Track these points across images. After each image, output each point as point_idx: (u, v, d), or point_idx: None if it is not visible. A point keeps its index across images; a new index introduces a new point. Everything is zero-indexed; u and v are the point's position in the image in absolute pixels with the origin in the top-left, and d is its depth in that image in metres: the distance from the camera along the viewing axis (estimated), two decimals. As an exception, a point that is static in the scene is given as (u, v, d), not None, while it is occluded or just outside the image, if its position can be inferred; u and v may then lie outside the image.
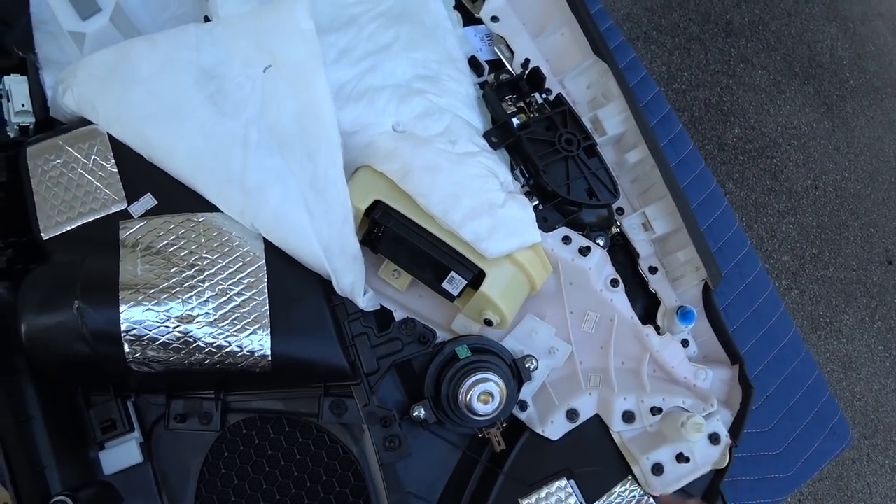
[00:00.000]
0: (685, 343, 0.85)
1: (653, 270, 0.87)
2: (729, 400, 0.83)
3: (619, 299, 0.81)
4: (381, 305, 0.76)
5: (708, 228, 1.01)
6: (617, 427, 0.78)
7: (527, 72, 0.85)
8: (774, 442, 0.93)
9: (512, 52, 0.90)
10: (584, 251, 0.79)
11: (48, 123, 0.81)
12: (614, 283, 0.81)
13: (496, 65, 0.90)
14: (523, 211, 0.74)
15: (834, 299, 2.08)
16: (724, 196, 1.06)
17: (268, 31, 0.72)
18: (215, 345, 0.67)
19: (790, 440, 0.93)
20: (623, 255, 0.88)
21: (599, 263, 0.80)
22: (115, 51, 0.74)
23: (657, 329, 0.83)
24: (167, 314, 0.66)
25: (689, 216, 0.84)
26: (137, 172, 0.73)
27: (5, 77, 0.81)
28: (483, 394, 0.71)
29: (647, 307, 0.87)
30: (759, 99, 2.33)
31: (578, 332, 0.81)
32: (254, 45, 0.72)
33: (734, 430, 0.80)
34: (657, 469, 0.77)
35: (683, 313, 0.83)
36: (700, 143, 2.20)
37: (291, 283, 0.71)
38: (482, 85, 0.85)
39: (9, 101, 0.80)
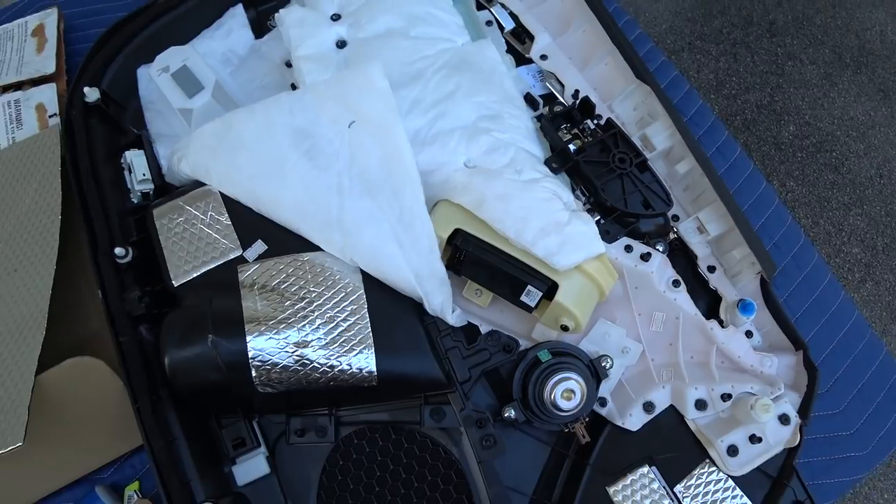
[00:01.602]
0: (749, 334, 0.91)
1: (711, 269, 0.94)
2: (796, 383, 0.88)
3: (682, 298, 0.88)
4: (468, 321, 0.85)
5: (762, 226, 1.08)
6: (691, 415, 0.85)
7: (577, 101, 0.94)
8: (847, 422, 0.97)
9: (562, 85, 0.99)
10: (644, 257, 0.87)
11: (164, 188, 0.95)
12: (676, 283, 0.89)
13: (549, 98, 0.99)
14: (587, 226, 0.83)
15: (911, 287, 2.03)
16: (775, 194, 1.11)
17: (350, 93, 0.84)
18: (328, 365, 0.78)
19: (863, 420, 0.97)
20: (683, 257, 0.95)
21: (660, 267, 0.88)
22: (220, 122, 0.87)
23: (721, 323, 0.89)
24: (286, 341, 0.77)
25: (739, 216, 0.90)
26: (248, 223, 0.85)
27: (126, 152, 0.94)
28: (566, 391, 0.80)
29: (709, 304, 0.93)
30: (812, 94, 2.33)
31: (648, 331, 0.89)
32: (339, 105, 0.84)
33: (803, 410, 0.85)
34: (732, 451, 0.83)
35: (744, 306, 0.88)
36: (756, 144, 2.23)
37: (389, 307, 0.82)
38: (539, 118, 0.94)
39: (131, 172, 0.94)
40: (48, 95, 1.09)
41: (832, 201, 2.16)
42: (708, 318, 0.89)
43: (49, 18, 1.19)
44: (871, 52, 2.45)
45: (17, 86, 1.12)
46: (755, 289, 0.93)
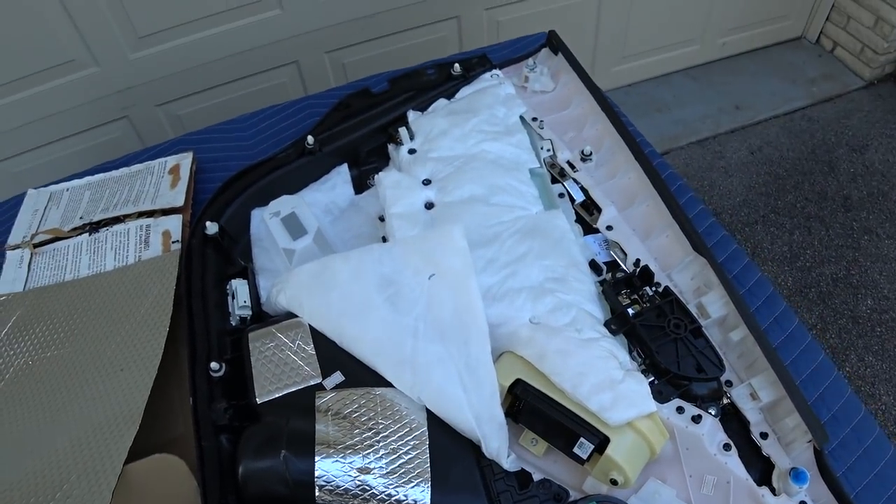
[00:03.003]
0: (803, 504, 0.93)
1: (764, 436, 0.96)
2: (850, 560, 0.88)
3: (734, 462, 0.91)
4: (522, 467, 0.90)
5: (819, 396, 1.09)
6: (740, 581, 0.86)
7: (638, 269, 1.03)
8: None
9: (625, 254, 1.08)
10: (696, 419, 0.92)
11: (261, 316, 1.07)
12: (727, 447, 0.92)
13: (613, 265, 1.08)
14: (640, 385, 0.89)
15: None
16: (833, 365, 1.14)
17: (433, 249, 0.96)
18: (386, 493, 0.84)
19: None
20: (736, 422, 0.97)
21: (711, 430, 0.92)
22: (318, 264, 1.00)
23: (773, 491, 0.91)
24: (350, 465, 0.85)
25: (791, 384, 0.94)
26: (330, 355, 0.95)
27: (232, 280, 1.08)
28: (611, 544, 0.83)
29: (762, 470, 0.94)
30: (890, 268, 2.34)
31: (698, 493, 0.91)
32: (422, 259, 0.96)
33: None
34: None
35: (796, 474, 0.89)
36: (832, 317, 2.22)
37: (449, 445, 0.88)
38: (602, 282, 1.03)
39: (234, 298, 1.07)
40: (174, 224, 1.26)
41: (914, 379, 2.10)
42: (760, 484, 0.90)
43: (185, 160, 1.38)
44: (950, 226, 2.45)
45: (150, 213, 1.29)
46: (809, 458, 0.94)
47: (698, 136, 2.71)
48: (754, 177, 2.59)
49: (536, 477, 0.91)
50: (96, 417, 0.99)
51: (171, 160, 1.40)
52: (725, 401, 0.98)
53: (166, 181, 1.35)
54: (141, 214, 1.30)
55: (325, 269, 0.98)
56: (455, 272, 0.94)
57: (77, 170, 1.55)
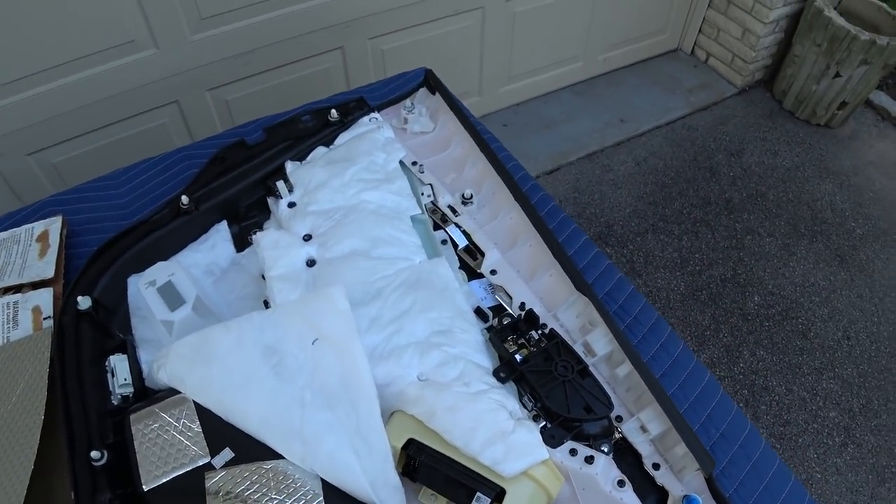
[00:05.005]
0: (699, 529, 0.96)
1: (656, 466, 0.99)
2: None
3: (629, 497, 0.93)
4: (422, 527, 0.90)
5: (708, 417, 1.14)
6: None
7: (523, 313, 1.04)
8: None
9: (510, 297, 1.10)
10: (588, 460, 0.94)
11: (144, 392, 1.02)
12: (621, 483, 0.94)
13: (498, 310, 1.09)
14: (531, 434, 0.90)
15: (894, 446, 2.06)
16: (718, 385, 1.19)
17: (314, 312, 0.94)
18: (287, 575, 0.82)
19: None
20: (630, 456, 1.01)
21: (605, 468, 0.94)
22: (197, 336, 0.96)
23: (669, 520, 0.94)
24: (248, 551, 0.82)
25: (676, 416, 0.97)
26: (218, 431, 0.91)
27: (111, 357, 1.03)
28: None
29: (658, 500, 0.98)
30: (773, 265, 2.48)
31: (597, 532, 0.93)
32: (304, 323, 0.94)
33: None
34: None
35: (688, 501, 0.93)
36: (723, 316, 2.32)
37: (348, 513, 0.87)
38: (488, 329, 1.04)
39: (113, 376, 1.01)
40: (45, 298, 1.18)
41: (803, 367, 2.23)
42: (656, 515, 0.93)
43: (53, 225, 1.31)
44: (824, 220, 2.62)
45: (18, 288, 1.21)
46: (701, 483, 0.98)
47: (587, 151, 2.79)
48: (642, 187, 2.69)
49: (439, 535, 0.90)
50: (-33, 520, 0.92)
51: (38, 226, 1.32)
52: (617, 436, 1.01)
53: (34, 250, 1.27)
54: (7, 290, 1.21)
55: (206, 341, 0.94)
56: (338, 335, 0.92)
57: None
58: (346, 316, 0.93)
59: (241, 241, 1.21)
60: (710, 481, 0.98)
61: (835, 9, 2.77)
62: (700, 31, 3.16)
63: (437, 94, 1.36)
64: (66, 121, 2.01)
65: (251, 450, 0.90)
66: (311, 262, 1.06)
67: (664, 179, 2.72)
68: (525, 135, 2.76)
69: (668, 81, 3.11)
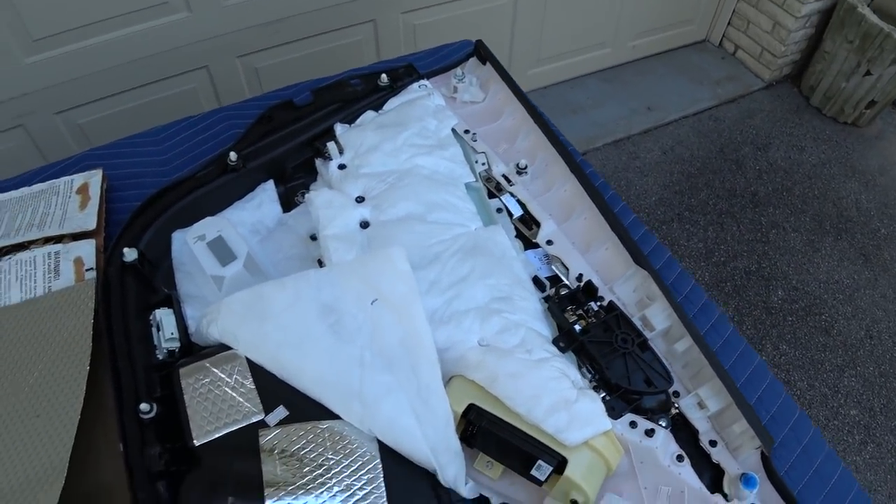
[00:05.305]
0: (754, 508, 0.94)
1: (713, 443, 0.97)
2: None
3: (687, 472, 0.92)
4: (480, 493, 0.88)
5: (758, 399, 1.12)
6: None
7: (581, 285, 1.02)
8: None
9: (567, 269, 1.07)
10: (649, 433, 0.92)
11: (189, 347, 0.99)
12: (680, 458, 0.92)
13: (555, 280, 1.07)
14: (594, 404, 0.88)
15: (915, 447, 2.04)
16: (768, 369, 1.17)
17: (373, 273, 0.92)
18: (343, 533, 0.80)
19: None
20: (685, 432, 0.98)
21: (664, 442, 0.92)
22: (250, 293, 0.94)
23: (725, 497, 0.92)
24: (303, 507, 0.80)
25: (736, 392, 0.95)
26: (271, 389, 0.89)
27: (156, 311, 1.00)
28: (574, 565, 0.82)
29: (713, 477, 0.96)
30: (797, 260, 2.46)
31: (653, 505, 0.91)
32: (363, 284, 0.91)
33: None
34: None
35: (746, 479, 0.91)
36: (747, 309, 2.30)
37: (404, 477, 0.84)
38: (546, 299, 1.02)
39: (159, 330, 0.99)
40: (87, 250, 1.15)
41: (825, 363, 2.21)
42: (713, 491, 0.91)
43: (94, 178, 1.28)
44: (849, 218, 2.60)
45: (59, 239, 1.18)
46: (756, 462, 0.96)
47: (613, 137, 2.76)
48: (668, 176, 2.67)
49: (494, 501, 0.88)
50: (14, 470, 0.89)
51: (77, 178, 1.29)
52: (674, 411, 0.99)
53: (74, 202, 1.24)
54: (48, 240, 1.19)
55: (260, 298, 0.92)
56: (399, 297, 0.90)
57: None
58: (407, 277, 0.90)
59: (287, 202, 1.19)
60: (766, 460, 0.96)
61: (868, 6, 2.74)
62: (729, 22, 3.12)
63: (488, 64, 1.34)
64: (94, 81, 1.98)
65: (305, 409, 0.88)
66: (364, 224, 1.04)
67: (690, 169, 2.70)
68: (552, 118, 2.72)
69: (695, 72, 3.08)
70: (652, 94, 2.94)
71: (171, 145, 1.37)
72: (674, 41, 3.16)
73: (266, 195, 1.17)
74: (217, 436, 0.86)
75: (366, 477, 0.83)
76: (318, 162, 1.20)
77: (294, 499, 0.80)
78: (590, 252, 1.10)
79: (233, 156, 1.14)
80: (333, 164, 1.13)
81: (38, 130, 2.03)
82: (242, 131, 1.34)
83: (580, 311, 1.01)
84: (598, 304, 1.02)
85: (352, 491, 0.82)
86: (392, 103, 1.26)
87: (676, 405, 0.99)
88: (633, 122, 2.83)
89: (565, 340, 0.97)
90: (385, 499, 0.82)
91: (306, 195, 1.08)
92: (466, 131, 1.23)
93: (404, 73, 1.30)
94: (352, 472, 0.83)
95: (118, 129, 1.65)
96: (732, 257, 2.43)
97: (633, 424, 0.93)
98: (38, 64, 1.86)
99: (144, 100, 2.10)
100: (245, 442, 0.85)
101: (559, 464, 0.85)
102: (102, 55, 1.91)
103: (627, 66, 3.06)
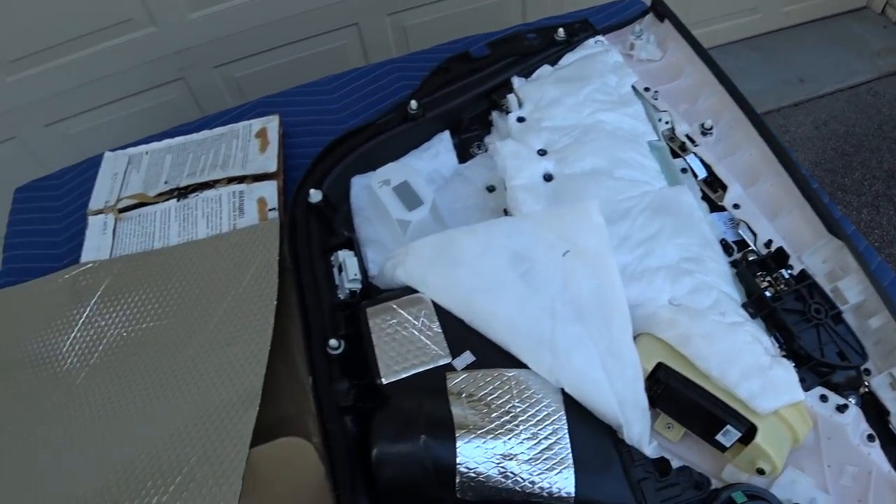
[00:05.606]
0: (947, 500, 0.89)
1: (904, 427, 0.93)
2: None
3: (877, 454, 0.87)
4: (662, 454, 0.87)
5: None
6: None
7: (771, 251, 0.98)
8: None
9: (754, 234, 1.04)
10: (840, 408, 0.88)
11: (368, 290, 1.03)
12: (870, 438, 0.88)
13: (741, 245, 1.03)
14: (788, 373, 0.85)
15: None
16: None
17: (568, 225, 0.91)
18: (529, 480, 0.81)
19: None
20: (873, 413, 0.94)
21: (856, 419, 0.88)
22: (441, 238, 0.96)
23: (914, 485, 0.88)
24: (493, 451, 0.81)
25: (938, 377, 0.90)
26: (457, 334, 0.90)
27: (338, 252, 1.03)
28: (759, 535, 0.80)
29: (900, 462, 0.92)
30: (958, 252, 2.29)
31: (836, 484, 0.87)
32: (555, 235, 0.91)
33: None
34: None
35: (942, 466, 0.87)
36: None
37: (587, 431, 0.84)
38: (734, 263, 0.99)
39: (341, 271, 1.02)
40: (269, 191, 1.21)
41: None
42: (902, 477, 0.87)
43: (271, 124, 1.34)
44: None
45: (241, 179, 1.25)
46: (949, 450, 0.91)
47: (762, 109, 2.63)
48: (820, 153, 2.53)
49: (674, 464, 0.87)
50: (208, 396, 0.95)
51: (255, 123, 1.35)
52: (863, 390, 0.94)
53: (254, 145, 1.30)
54: (231, 180, 1.25)
55: (451, 243, 0.93)
56: (592, 250, 0.89)
57: (133, 132, 1.50)
58: (601, 231, 0.90)
59: (462, 154, 1.20)
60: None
61: None
62: (895, -12, 2.90)
63: (666, 21, 1.29)
64: (251, 36, 2.06)
65: (491, 356, 0.89)
66: (547, 177, 1.03)
67: (845, 147, 2.54)
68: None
69: (853, 42, 2.88)
70: (804, 65, 2.77)
71: (341, 95, 1.41)
72: (831, 7, 2.96)
73: (442, 145, 1.18)
74: (404, 375, 0.88)
75: (550, 428, 0.84)
76: (495, 114, 1.20)
77: (483, 442, 0.81)
78: (777, 219, 1.06)
79: (413, 104, 1.16)
80: (512, 117, 1.13)
81: (198, 83, 2.13)
82: (410, 83, 1.36)
83: (769, 279, 0.97)
84: (789, 272, 0.98)
85: (538, 440, 0.83)
86: (568, 58, 1.24)
87: (867, 383, 0.94)
88: (783, 93, 2.68)
89: (755, 306, 0.94)
90: (569, 450, 0.82)
91: (491, 145, 1.09)
92: (647, 89, 1.20)
93: (580, 29, 1.28)
94: (537, 421, 0.84)
95: (270, 84, 1.72)
96: (888, 243, 2.29)
97: (823, 398, 0.89)
98: (200, 19, 1.95)
99: (296, 55, 2.17)
100: (433, 384, 0.87)
101: (748, 431, 0.82)
102: (260, 10, 1.99)
103: (778, 33, 2.89)
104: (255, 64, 2.16)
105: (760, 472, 0.83)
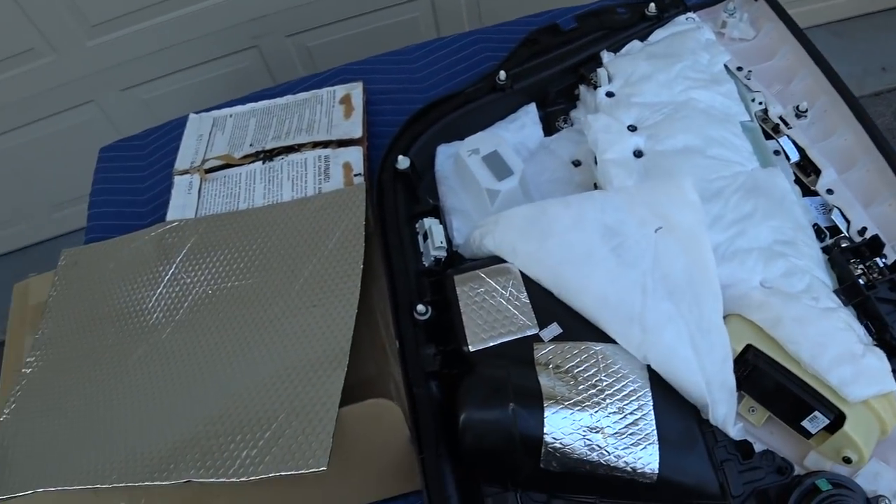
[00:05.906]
0: None
1: None
2: None
3: (964, 450, 0.86)
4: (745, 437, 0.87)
5: None
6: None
7: (866, 238, 0.96)
8: None
9: (847, 221, 1.01)
10: (930, 402, 0.86)
11: (451, 258, 1.04)
12: (959, 436, 0.86)
13: (833, 231, 1.02)
14: (881, 362, 0.84)
15: None
16: None
17: (661, 201, 0.91)
18: (615, 454, 0.81)
19: None
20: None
21: (945, 416, 0.86)
22: (533, 208, 0.96)
23: None
24: (579, 423, 0.82)
25: None
26: (544, 305, 0.91)
27: (424, 219, 1.05)
28: (843, 524, 0.79)
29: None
30: None
31: (922, 480, 0.87)
32: (648, 210, 0.91)
33: None
34: None
35: None
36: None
37: (672, 409, 0.85)
38: (826, 249, 0.97)
39: (426, 238, 1.03)
40: (354, 156, 1.23)
41: None
42: None
43: (355, 90, 1.35)
44: None
45: (326, 144, 1.27)
46: None
47: (840, 97, 2.55)
48: (900, 144, 2.44)
49: (757, 448, 0.87)
50: (294, 355, 0.98)
51: (339, 89, 1.37)
52: (953, 387, 0.92)
53: (338, 111, 1.32)
54: (316, 145, 1.27)
55: (543, 214, 0.94)
56: (685, 227, 0.89)
57: (205, 99, 1.53)
58: (696, 208, 0.89)
59: (547, 127, 1.20)
60: None
61: None
62: None
63: (761, 0, 1.26)
64: (325, 5, 2.08)
65: (578, 329, 0.89)
66: (637, 153, 1.03)
67: (926, 139, 2.46)
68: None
69: (941, 31, 2.77)
70: (888, 53, 2.67)
71: (425, 64, 1.42)
72: (919, -6, 2.84)
73: (528, 118, 1.18)
74: (492, 344, 0.89)
75: (636, 403, 0.84)
76: (582, 88, 1.19)
77: (571, 413, 0.82)
78: (871, 207, 1.03)
79: (502, 75, 1.16)
80: (601, 92, 1.12)
81: (271, 51, 2.16)
82: (494, 55, 1.36)
83: (862, 267, 0.95)
84: (883, 261, 0.96)
85: (623, 415, 0.83)
86: (658, 34, 1.22)
87: (955, 381, 0.92)
88: (864, 82, 2.59)
89: (848, 294, 0.92)
90: (654, 427, 0.83)
91: (578, 119, 1.08)
92: (739, 68, 1.18)
93: (671, 4, 1.25)
94: (623, 396, 0.84)
95: (341, 55, 1.73)
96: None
97: (913, 391, 0.87)
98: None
99: (367, 27, 2.18)
100: (520, 353, 0.87)
101: (836, 418, 0.82)
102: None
103: (862, 18, 2.78)
104: (328, 34, 2.17)
105: (847, 460, 0.82)
